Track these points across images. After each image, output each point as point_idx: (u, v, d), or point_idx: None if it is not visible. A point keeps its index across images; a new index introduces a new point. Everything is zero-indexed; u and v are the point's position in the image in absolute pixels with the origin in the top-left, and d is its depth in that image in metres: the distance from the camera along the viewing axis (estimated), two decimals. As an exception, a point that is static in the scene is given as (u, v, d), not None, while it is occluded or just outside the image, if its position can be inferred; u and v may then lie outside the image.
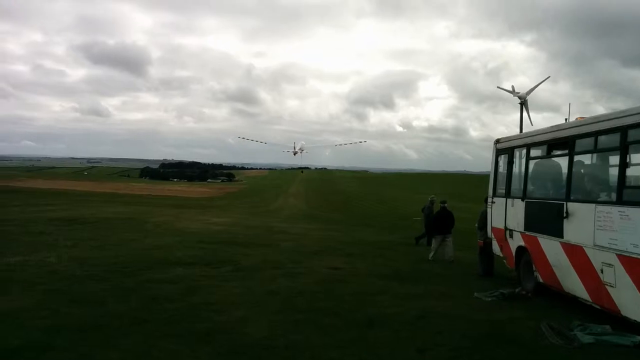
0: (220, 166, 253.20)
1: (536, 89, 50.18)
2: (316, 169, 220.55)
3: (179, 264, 12.57)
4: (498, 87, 53.41)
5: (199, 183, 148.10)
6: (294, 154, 66.35)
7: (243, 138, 76.05)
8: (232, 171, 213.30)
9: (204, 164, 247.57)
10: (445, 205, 16.31)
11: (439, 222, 15.85)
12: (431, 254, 15.54)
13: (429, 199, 19.74)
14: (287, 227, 26.76)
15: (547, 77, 54.97)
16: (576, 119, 10.06)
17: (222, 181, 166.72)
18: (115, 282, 10.19)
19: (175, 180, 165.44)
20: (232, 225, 25.66)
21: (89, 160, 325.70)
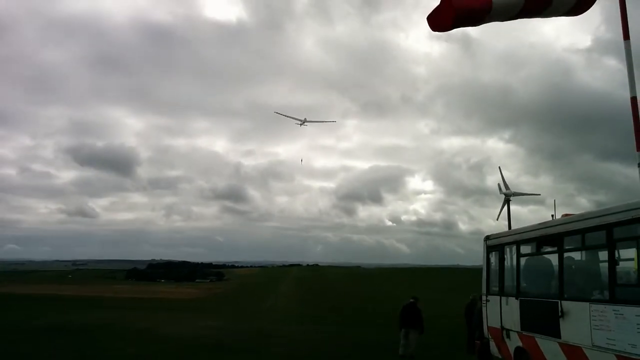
0: (209, 265, 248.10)
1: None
2: (308, 265, 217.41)
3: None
4: (499, 169, 54.96)
5: (187, 283, 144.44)
6: (300, 125, 69.02)
7: (280, 114, 74.16)
8: (221, 270, 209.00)
9: (193, 263, 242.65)
10: (413, 300, 16.21)
11: (403, 316, 15.94)
12: (400, 350, 15.61)
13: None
14: (278, 329, 25.80)
15: (538, 194, 59.20)
16: (562, 215, 10.20)
17: (211, 281, 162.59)
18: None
19: (163, 281, 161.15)
20: (220, 328, 24.70)
21: (74, 262, 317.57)
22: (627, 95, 5.17)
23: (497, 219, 52.58)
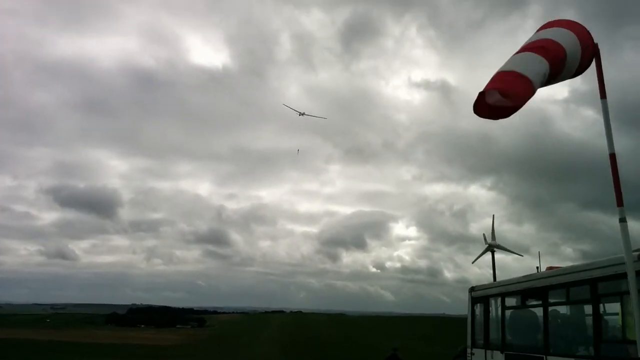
0: (191, 310, 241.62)
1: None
2: (291, 312, 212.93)
3: None
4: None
5: (168, 329, 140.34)
6: (299, 115, 68.16)
7: (287, 106, 70.86)
8: (203, 316, 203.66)
9: (174, 308, 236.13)
10: (394, 352, 16.52)
11: None
12: None
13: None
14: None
15: (521, 255, 54.42)
16: (547, 268, 10.21)
17: (192, 327, 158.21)
18: None
19: (143, 326, 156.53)
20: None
21: (52, 306, 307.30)
22: (605, 145, 5.30)
23: (473, 263, 52.00)
